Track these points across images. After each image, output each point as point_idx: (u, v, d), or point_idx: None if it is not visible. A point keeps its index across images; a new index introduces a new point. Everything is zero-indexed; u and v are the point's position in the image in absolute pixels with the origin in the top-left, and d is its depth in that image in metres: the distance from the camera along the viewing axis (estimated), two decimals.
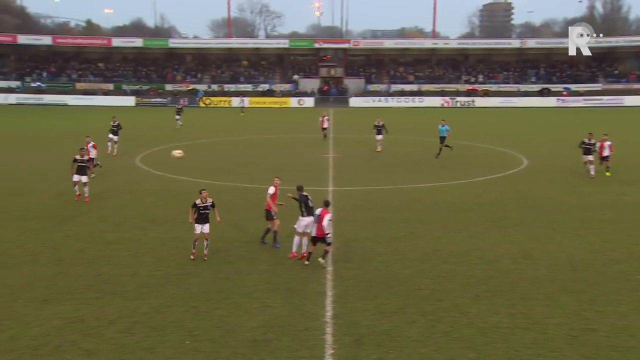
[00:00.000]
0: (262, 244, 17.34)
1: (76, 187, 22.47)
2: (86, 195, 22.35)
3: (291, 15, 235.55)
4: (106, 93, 75.81)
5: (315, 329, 12.01)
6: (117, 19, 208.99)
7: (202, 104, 73.36)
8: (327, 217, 15.24)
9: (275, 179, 17.41)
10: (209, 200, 16.07)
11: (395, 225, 19.63)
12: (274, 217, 17.02)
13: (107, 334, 11.67)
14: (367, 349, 11.20)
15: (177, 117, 49.49)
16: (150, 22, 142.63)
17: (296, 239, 16.07)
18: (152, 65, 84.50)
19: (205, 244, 16.05)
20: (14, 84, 76.89)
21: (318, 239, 15.43)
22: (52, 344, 11.27)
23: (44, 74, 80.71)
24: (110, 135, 32.85)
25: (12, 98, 71.76)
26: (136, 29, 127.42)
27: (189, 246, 16.28)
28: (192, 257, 16.01)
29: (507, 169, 30.09)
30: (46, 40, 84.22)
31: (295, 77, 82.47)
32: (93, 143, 24.80)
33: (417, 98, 76.81)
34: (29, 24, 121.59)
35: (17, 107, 68.55)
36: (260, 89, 78.86)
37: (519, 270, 15.38)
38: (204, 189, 16.37)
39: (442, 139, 32.78)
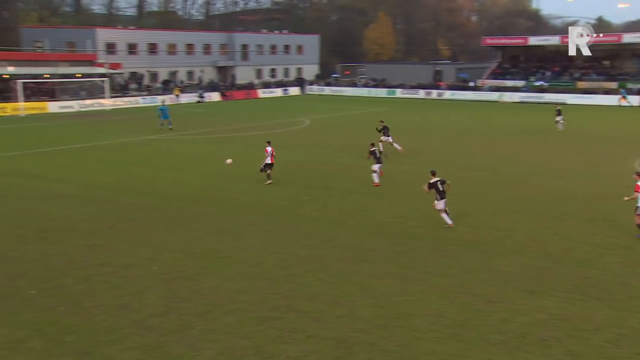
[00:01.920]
0: None
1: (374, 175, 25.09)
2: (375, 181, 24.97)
3: None
4: (607, 92, 72.88)
5: None
6: (633, 14, 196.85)
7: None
8: None
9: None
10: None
11: None
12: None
13: (592, 340, 11.41)
14: None
15: (558, 118, 42.81)
16: None
17: None
18: None
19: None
20: (519, 83, 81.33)
21: None
22: (537, 335, 11.62)
23: (548, 73, 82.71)
24: (383, 138, 32.77)
25: (516, 96, 76.13)
26: None
27: None
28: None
29: None
30: (554, 40, 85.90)
31: None
32: (272, 148, 25.55)
33: None
34: (540, 25, 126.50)
35: (520, 105, 72.16)
36: None
37: None
38: None
39: None
